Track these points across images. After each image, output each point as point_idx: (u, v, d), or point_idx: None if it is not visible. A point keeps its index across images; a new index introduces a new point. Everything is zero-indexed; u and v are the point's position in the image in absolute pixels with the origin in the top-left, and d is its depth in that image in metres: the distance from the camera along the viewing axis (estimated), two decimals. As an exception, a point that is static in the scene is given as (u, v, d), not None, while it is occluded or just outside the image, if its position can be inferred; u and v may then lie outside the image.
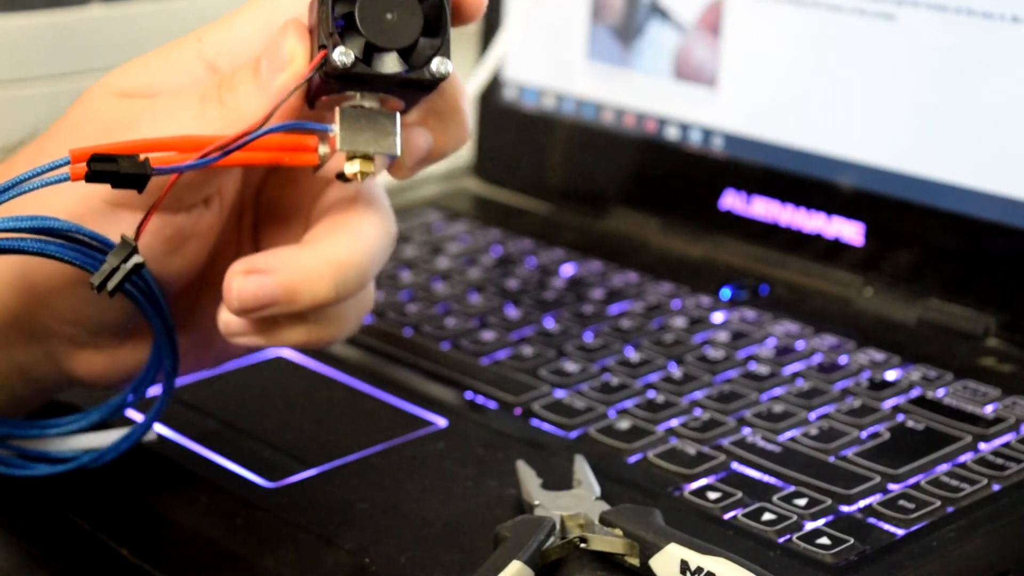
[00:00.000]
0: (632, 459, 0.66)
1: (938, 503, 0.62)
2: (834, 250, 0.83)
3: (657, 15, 0.89)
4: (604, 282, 0.84)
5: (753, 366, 0.74)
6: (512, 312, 0.80)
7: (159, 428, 0.68)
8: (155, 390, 0.64)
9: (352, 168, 0.58)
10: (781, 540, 0.60)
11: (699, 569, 0.55)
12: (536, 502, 0.59)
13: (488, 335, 0.77)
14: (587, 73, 0.93)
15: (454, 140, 0.62)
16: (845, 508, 0.62)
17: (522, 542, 0.56)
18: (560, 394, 0.71)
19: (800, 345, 0.76)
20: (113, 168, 0.54)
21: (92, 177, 0.54)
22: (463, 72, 1.00)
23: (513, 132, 0.96)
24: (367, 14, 0.56)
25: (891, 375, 0.73)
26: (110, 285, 0.55)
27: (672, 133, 0.89)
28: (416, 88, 0.58)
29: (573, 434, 0.68)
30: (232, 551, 0.61)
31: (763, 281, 0.84)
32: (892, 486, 0.64)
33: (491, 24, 0.96)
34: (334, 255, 0.60)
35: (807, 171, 0.84)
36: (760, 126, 0.86)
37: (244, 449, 0.67)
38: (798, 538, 0.60)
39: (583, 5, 0.92)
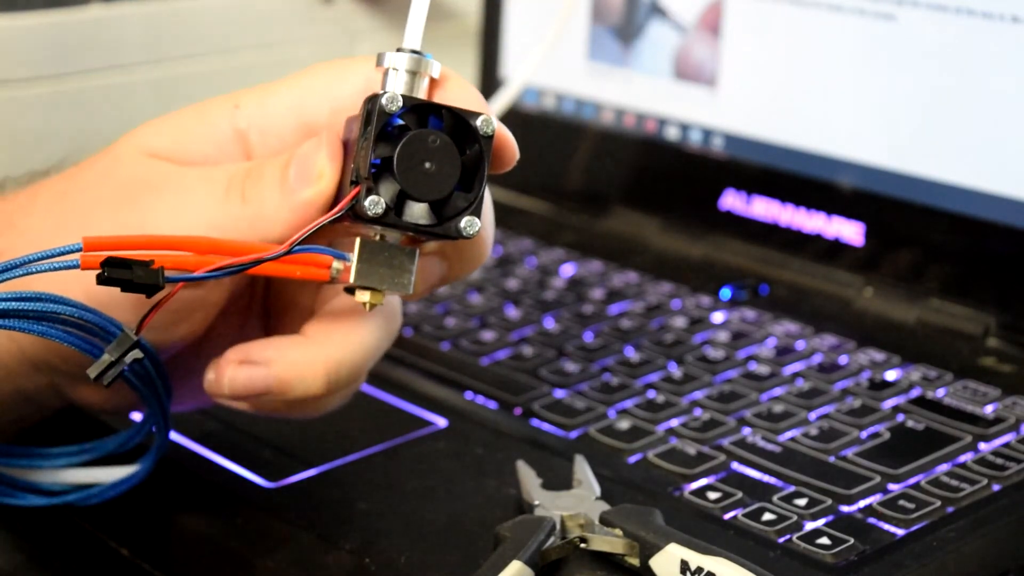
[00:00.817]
0: (632, 459, 0.66)
1: (938, 503, 0.62)
2: (834, 250, 0.83)
3: (657, 15, 0.89)
4: (604, 282, 0.84)
5: (753, 366, 0.74)
6: (512, 312, 0.80)
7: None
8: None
9: (363, 297, 0.57)
10: (781, 540, 0.60)
11: (699, 569, 0.55)
12: (536, 502, 0.59)
13: (488, 335, 0.77)
14: (587, 73, 0.93)
15: (468, 269, 0.62)
16: (845, 508, 0.62)
17: (522, 542, 0.56)
18: (560, 394, 0.71)
19: (800, 345, 0.76)
20: (127, 276, 0.54)
21: (104, 281, 0.54)
22: (464, 69, 1.00)
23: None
24: (406, 162, 0.55)
25: (891, 375, 0.73)
26: (106, 379, 0.55)
27: (672, 133, 0.89)
28: (439, 238, 0.57)
29: (573, 434, 0.68)
30: (232, 551, 0.60)
31: (763, 281, 0.84)
32: (892, 486, 0.64)
33: (491, 26, 0.96)
34: (330, 354, 0.59)
35: (807, 171, 0.84)
36: (760, 126, 0.86)
37: (244, 449, 0.67)
38: (798, 538, 0.60)
39: (583, 5, 0.92)
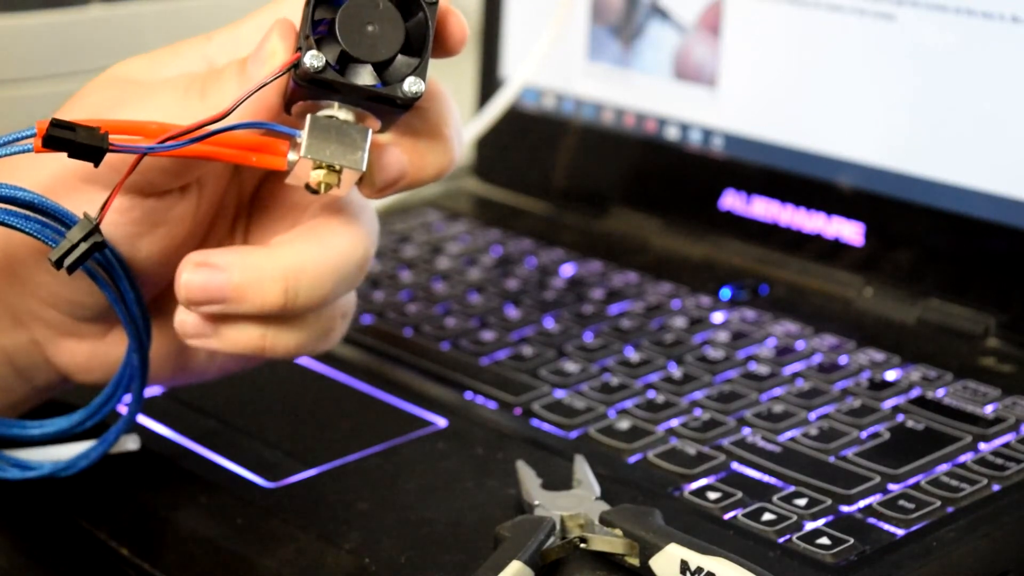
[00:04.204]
0: (632, 459, 0.66)
1: (938, 503, 0.62)
2: (834, 250, 0.83)
3: (657, 15, 0.89)
4: (604, 282, 0.84)
5: (753, 366, 0.74)
6: (512, 312, 0.80)
7: (159, 428, 0.68)
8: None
9: (316, 176, 0.57)
10: (781, 540, 0.60)
11: (699, 569, 0.55)
12: (536, 502, 0.59)
13: (488, 335, 0.77)
14: (587, 73, 0.93)
15: (434, 166, 0.61)
16: (845, 508, 0.62)
17: (522, 542, 0.56)
18: (560, 394, 0.72)
19: (800, 345, 0.76)
20: (70, 136, 0.54)
21: (48, 142, 0.54)
22: (463, 80, 1.00)
23: (513, 132, 0.96)
24: (347, 23, 0.56)
25: (891, 375, 0.73)
26: (67, 261, 0.55)
27: (672, 133, 0.89)
28: (389, 105, 0.57)
29: (573, 434, 0.68)
30: (232, 551, 0.61)
31: (763, 281, 0.84)
32: (892, 486, 0.64)
33: (491, 26, 0.96)
34: (288, 261, 0.59)
35: (807, 171, 0.84)
36: (760, 126, 0.86)
37: (244, 449, 0.67)
38: (798, 538, 0.60)
39: (583, 5, 0.92)
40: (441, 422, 0.69)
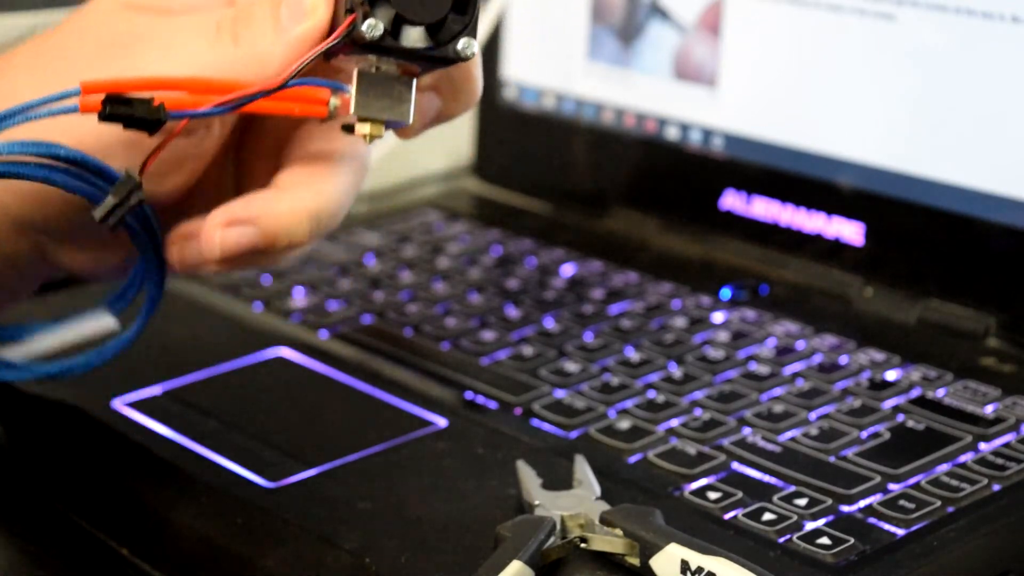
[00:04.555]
0: (632, 459, 0.66)
1: (938, 503, 0.62)
2: (834, 250, 0.83)
3: (657, 15, 0.89)
4: (604, 282, 0.84)
5: (753, 366, 0.74)
6: (512, 312, 0.80)
7: (159, 428, 0.68)
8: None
9: (363, 130, 0.57)
10: (781, 540, 0.60)
11: (699, 569, 0.55)
12: (536, 502, 0.59)
13: (488, 335, 0.77)
14: (587, 73, 0.93)
15: (463, 105, 0.63)
16: (845, 508, 0.62)
17: (522, 542, 0.56)
18: (560, 394, 0.71)
19: (800, 345, 0.76)
20: (128, 112, 0.54)
21: (106, 118, 0.54)
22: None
23: (513, 132, 0.96)
24: None
25: (891, 375, 0.73)
26: (112, 220, 0.56)
27: (672, 133, 0.89)
28: (441, 64, 0.57)
29: (573, 434, 0.68)
30: (232, 551, 0.61)
31: (763, 281, 0.84)
32: (892, 486, 0.64)
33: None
34: (311, 202, 0.60)
35: (807, 171, 0.84)
36: (760, 126, 0.86)
37: (244, 449, 0.67)
38: (798, 538, 0.60)
39: (583, 5, 0.92)
40: (441, 422, 0.69)
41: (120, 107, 0.54)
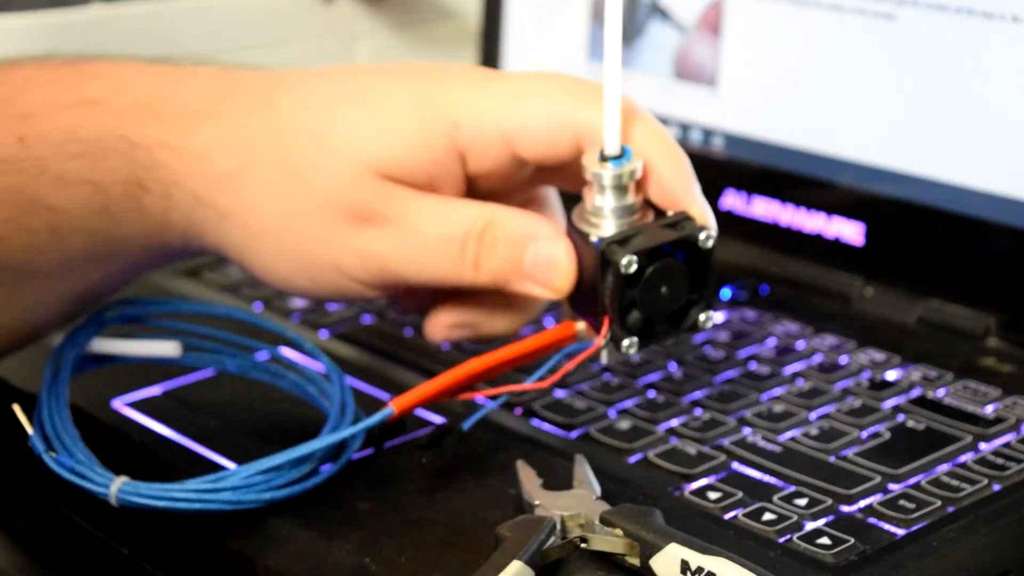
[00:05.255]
0: (632, 459, 0.66)
1: (938, 503, 0.62)
2: (834, 250, 0.83)
3: (657, 15, 0.89)
4: (604, 282, 0.84)
5: (753, 366, 0.74)
6: (512, 312, 0.80)
7: (160, 428, 0.68)
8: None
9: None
10: (781, 540, 0.60)
11: (699, 569, 0.55)
12: (536, 502, 0.59)
13: (488, 335, 0.77)
14: (587, 73, 0.92)
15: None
16: (845, 508, 0.62)
17: (522, 542, 0.56)
18: (560, 394, 0.71)
19: (800, 345, 0.76)
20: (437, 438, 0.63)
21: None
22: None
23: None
24: (647, 296, 0.62)
25: (891, 375, 0.73)
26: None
27: (672, 133, 0.89)
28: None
29: (573, 434, 0.68)
30: (232, 551, 0.60)
31: (763, 281, 0.84)
32: (892, 486, 0.64)
33: (491, 26, 0.96)
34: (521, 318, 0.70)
35: (807, 171, 0.84)
36: (760, 126, 0.86)
37: (244, 449, 0.66)
38: (798, 538, 0.60)
39: (583, 5, 0.92)
40: (441, 422, 0.69)
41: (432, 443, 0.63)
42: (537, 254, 0.64)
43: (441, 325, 0.69)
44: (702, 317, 0.63)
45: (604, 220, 0.63)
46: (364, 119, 0.65)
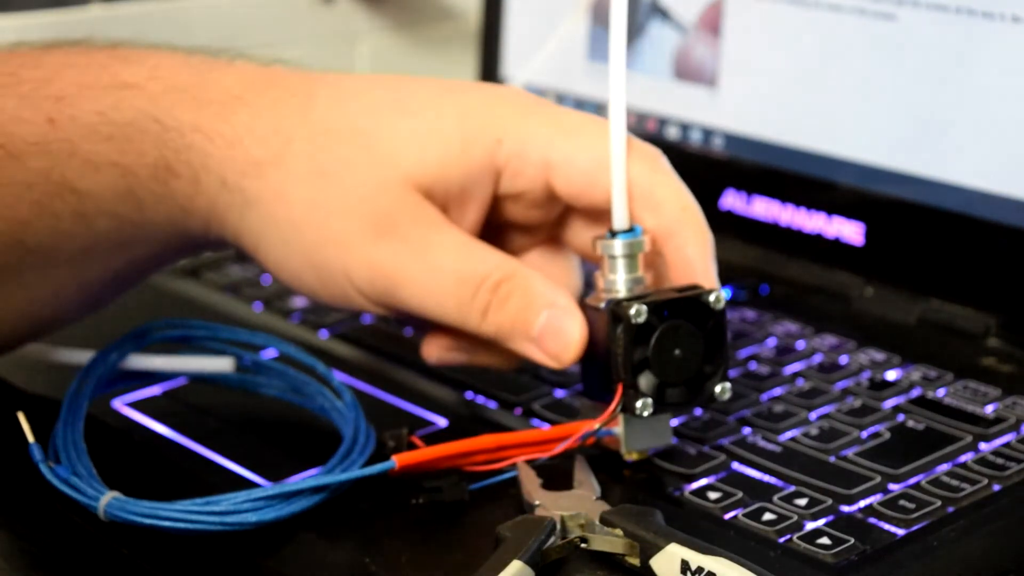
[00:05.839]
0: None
1: (938, 503, 0.62)
2: (834, 250, 0.83)
3: (657, 15, 0.89)
4: (604, 282, 0.84)
5: (753, 366, 0.74)
6: (512, 312, 0.80)
7: (160, 428, 0.68)
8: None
9: (632, 457, 0.64)
10: (781, 540, 0.60)
11: (700, 569, 0.55)
12: (536, 502, 0.59)
13: (488, 335, 0.77)
14: (587, 73, 0.93)
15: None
16: (845, 508, 0.62)
17: (522, 542, 0.56)
18: (560, 394, 0.71)
19: (800, 345, 0.76)
20: (438, 497, 0.62)
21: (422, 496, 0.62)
22: (464, 69, 1.00)
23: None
24: (659, 357, 0.62)
25: (891, 375, 0.73)
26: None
27: (672, 133, 0.89)
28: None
29: (573, 434, 0.68)
30: (232, 551, 0.60)
31: (763, 281, 0.84)
32: (892, 486, 0.64)
33: (491, 26, 0.96)
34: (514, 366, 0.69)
35: (807, 171, 0.84)
36: (760, 126, 0.86)
37: (244, 449, 0.67)
38: (798, 538, 0.60)
39: (583, 5, 0.92)
40: (441, 422, 0.69)
41: (431, 493, 0.61)
42: (551, 321, 0.64)
43: (438, 347, 0.68)
44: (718, 389, 0.63)
45: (615, 289, 0.63)
46: (407, 125, 0.65)
